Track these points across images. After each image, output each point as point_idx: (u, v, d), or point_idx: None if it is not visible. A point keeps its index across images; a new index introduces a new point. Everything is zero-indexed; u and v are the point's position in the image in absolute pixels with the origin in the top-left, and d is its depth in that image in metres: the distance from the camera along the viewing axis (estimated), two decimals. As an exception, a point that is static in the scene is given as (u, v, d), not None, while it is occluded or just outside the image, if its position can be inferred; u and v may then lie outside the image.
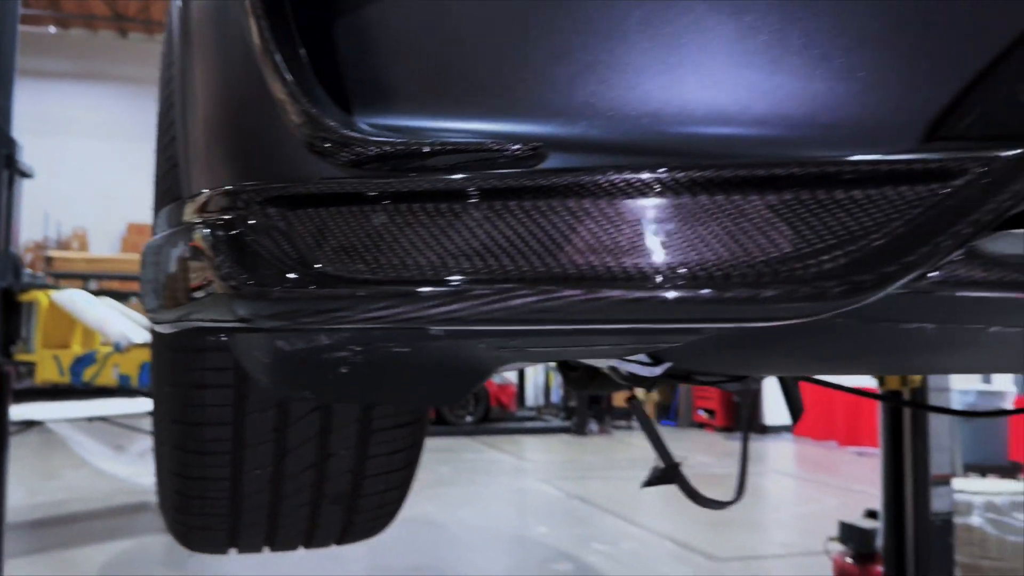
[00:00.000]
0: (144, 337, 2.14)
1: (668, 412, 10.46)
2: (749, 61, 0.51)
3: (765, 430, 8.92)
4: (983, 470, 5.95)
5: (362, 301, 0.52)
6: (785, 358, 0.81)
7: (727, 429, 9.30)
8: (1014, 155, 0.46)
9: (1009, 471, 6.09)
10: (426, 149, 0.56)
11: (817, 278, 0.44)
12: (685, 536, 4.33)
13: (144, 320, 2.59)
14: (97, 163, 14.22)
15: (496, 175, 0.51)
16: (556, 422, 9.93)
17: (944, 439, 3.04)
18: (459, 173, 0.55)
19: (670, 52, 0.53)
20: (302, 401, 0.92)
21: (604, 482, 6.06)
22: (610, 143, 0.54)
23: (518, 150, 0.54)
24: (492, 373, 0.81)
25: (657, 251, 0.47)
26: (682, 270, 0.47)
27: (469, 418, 9.02)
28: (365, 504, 1.01)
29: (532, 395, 11.38)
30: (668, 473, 1.03)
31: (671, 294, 0.46)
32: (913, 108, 0.49)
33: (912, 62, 0.50)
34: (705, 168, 0.48)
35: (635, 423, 9.51)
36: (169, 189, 0.82)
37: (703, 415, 9.96)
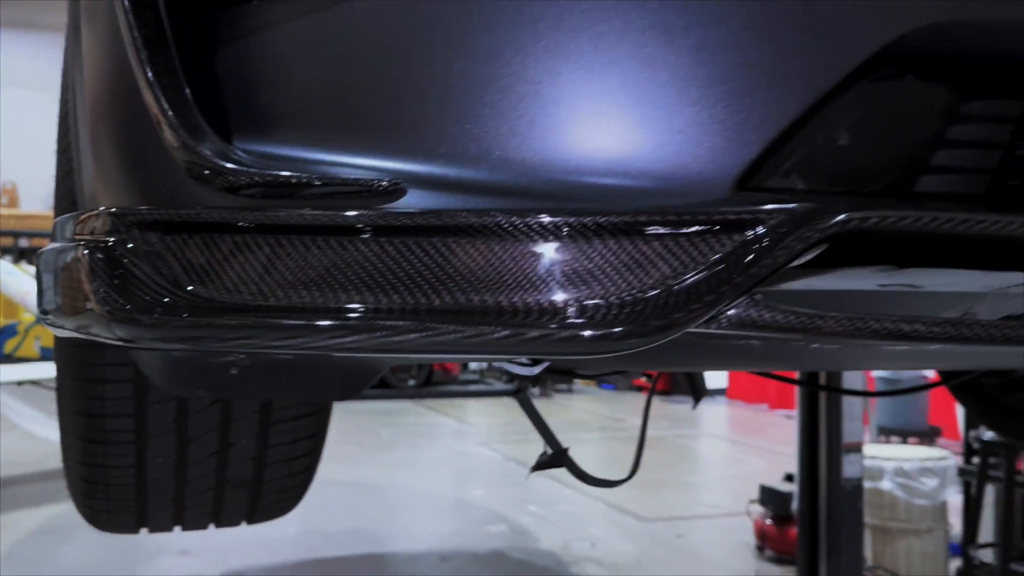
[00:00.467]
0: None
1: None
2: (572, 114, 0.56)
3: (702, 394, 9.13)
4: (904, 434, 6.22)
5: (233, 329, 0.56)
6: (652, 360, 0.87)
7: (665, 392, 9.51)
8: (801, 208, 0.52)
9: (928, 435, 6.38)
10: (293, 181, 0.60)
11: (603, 323, 0.50)
12: (618, 498, 4.46)
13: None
14: (28, 115, 13.73)
15: (352, 214, 0.56)
16: (499, 385, 10.04)
17: (857, 409, 3.19)
18: (325, 205, 0.59)
19: (509, 106, 0.58)
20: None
21: (543, 445, 6.18)
22: (464, 183, 0.59)
23: (379, 186, 0.59)
24: (385, 370, 0.86)
25: (480, 290, 0.53)
26: (495, 309, 0.52)
27: (412, 382, 9.07)
28: (269, 488, 1.05)
29: (476, 357, 11.43)
30: (556, 458, 1.09)
31: (499, 333, 0.51)
32: (719, 164, 0.55)
33: (721, 123, 0.56)
34: (525, 215, 0.53)
35: (576, 386, 9.68)
36: (67, 193, 0.84)
37: (642, 379, 10.17)
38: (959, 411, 5.41)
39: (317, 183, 0.59)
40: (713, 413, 8.62)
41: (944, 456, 3.66)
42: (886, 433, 6.13)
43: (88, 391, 0.91)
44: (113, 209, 0.62)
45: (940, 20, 0.58)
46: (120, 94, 0.69)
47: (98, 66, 0.71)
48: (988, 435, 3.20)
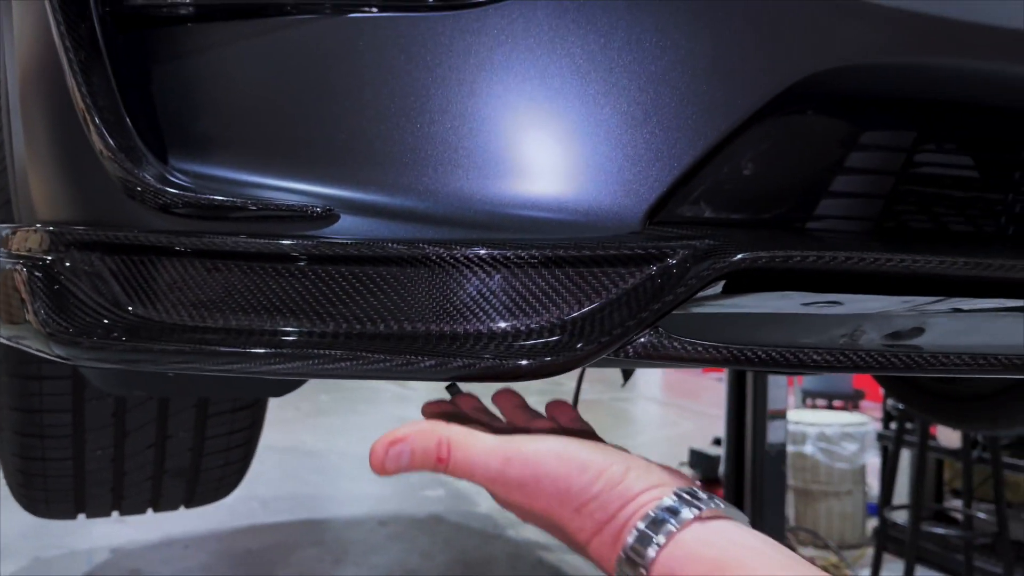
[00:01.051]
0: None
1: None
2: (498, 147, 0.60)
3: (630, 374, 9.32)
4: (829, 398, 6.47)
5: (171, 354, 0.58)
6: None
7: (603, 355, 9.67)
8: (703, 244, 0.57)
9: (853, 399, 6.65)
10: (229, 204, 0.62)
11: (516, 353, 0.54)
12: (553, 462, 4.55)
13: None
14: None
15: (286, 243, 0.58)
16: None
17: (782, 378, 3.32)
18: (260, 229, 0.61)
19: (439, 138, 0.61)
20: (139, 391, 0.98)
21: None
22: (393, 210, 0.62)
23: (314, 211, 0.61)
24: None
25: (404, 319, 0.56)
26: (421, 336, 0.56)
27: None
28: (206, 476, 1.08)
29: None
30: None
31: (425, 362, 0.55)
32: (632, 197, 0.59)
33: (633, 159, 0.60)
34: (449, 247, 0.57)
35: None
36: (2, 189, 0.84)
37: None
38: (881, 376, 5.63)
39: (253, 207, 0.62)
40: (648, 376, 8.81)
41: (864, 422, 3.84)
42: (812, 396, 6.36)
43: (24, 388, 0.92)
44: (51, 228, 0.64)
45: (837, 65, 0.62)
46: (54, 108, 0.69)
47: (30, 71, 0.72)
48: (904, 403, 3.36)
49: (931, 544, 2.94)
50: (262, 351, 0.57)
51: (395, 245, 0.57)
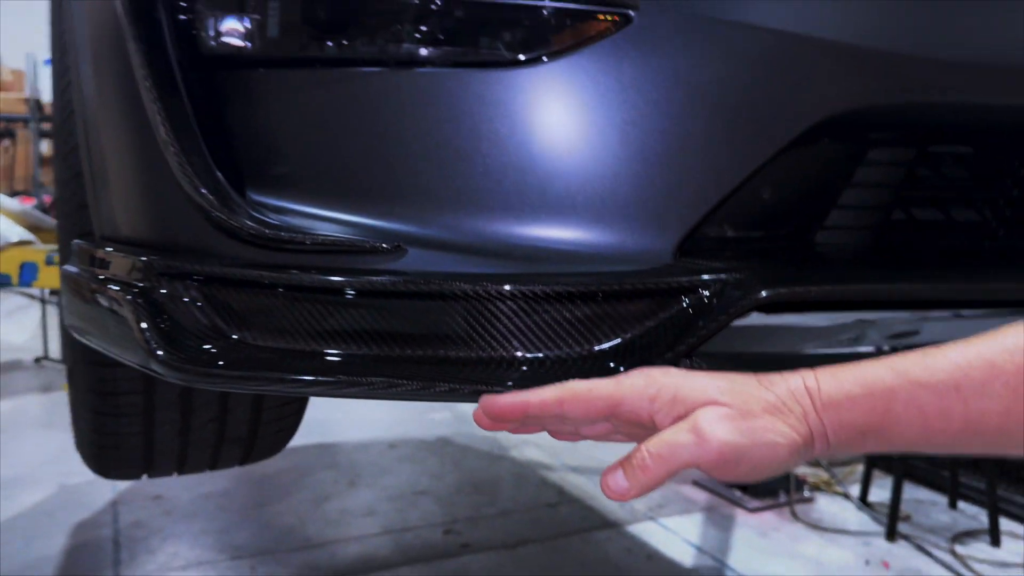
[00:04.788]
0: (22, 235, 2.16)
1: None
2: (548, 191, 0.67)
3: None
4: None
5: (270, 380, 0.65)
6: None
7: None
8: (731, 279, 0.65)
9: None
10: (309, 240, 0.69)
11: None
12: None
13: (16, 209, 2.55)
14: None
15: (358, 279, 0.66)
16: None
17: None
18: (337, 262, 0.68)
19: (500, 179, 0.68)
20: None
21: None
22: (451, 245, 0.69)
23: (383, 247, 0.68)
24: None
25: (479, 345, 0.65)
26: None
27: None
28: (262, 441, 1.18)
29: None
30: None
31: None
32: (663, 232, 0.67)
33: (666, 195, 0.67)
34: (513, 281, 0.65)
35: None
36: (74, 203, 0.90)
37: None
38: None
39: (331, 244, 0.69)
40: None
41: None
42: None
43: (101, 374, 1.00)
44: (158, 258, 0.69)
45: (856, 106, 0.69)
46: (135, 140, 0.75)
47: (108, 97, 0.77)
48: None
49: (919, 460, 3.09)
50: (359, 378, 0.65)
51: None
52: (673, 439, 0.55)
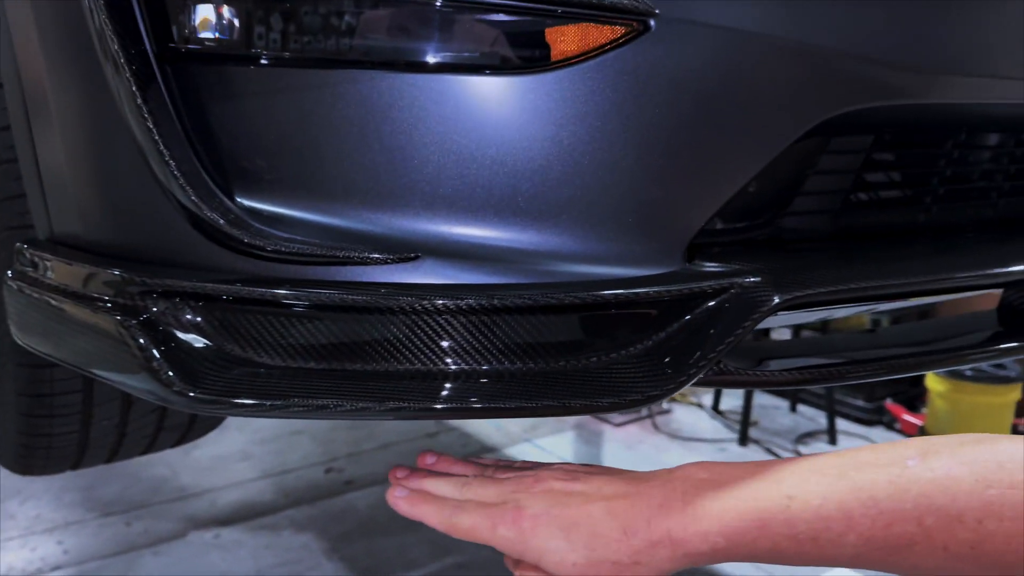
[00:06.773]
0: None
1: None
2: (570, 197, 0.67)
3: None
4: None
5: (288, 408, 0.61)
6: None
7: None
8: (750, 283, 0.68)
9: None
10: (315, 252, 0.65)
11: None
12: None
13: None
14: None
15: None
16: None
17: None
18: (344, 272, 0.65)
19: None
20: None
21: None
22: (474, 252, 0.67)
23: (401, 257, 0.66)
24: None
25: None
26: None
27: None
28: (199, 425, 1.12)
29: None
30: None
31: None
32: (673, 235, 0.69)
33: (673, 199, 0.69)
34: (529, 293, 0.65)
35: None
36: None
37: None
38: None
39: (336, 252, 0.65)
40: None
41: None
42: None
43: (34, 376, 0.91)
44: (159, 279, 0.62)
45: (857, 108, 0.73)
46: (111, 142, 0.68)
47: (76, 102, 0.69)
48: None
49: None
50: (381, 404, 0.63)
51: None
52: None
